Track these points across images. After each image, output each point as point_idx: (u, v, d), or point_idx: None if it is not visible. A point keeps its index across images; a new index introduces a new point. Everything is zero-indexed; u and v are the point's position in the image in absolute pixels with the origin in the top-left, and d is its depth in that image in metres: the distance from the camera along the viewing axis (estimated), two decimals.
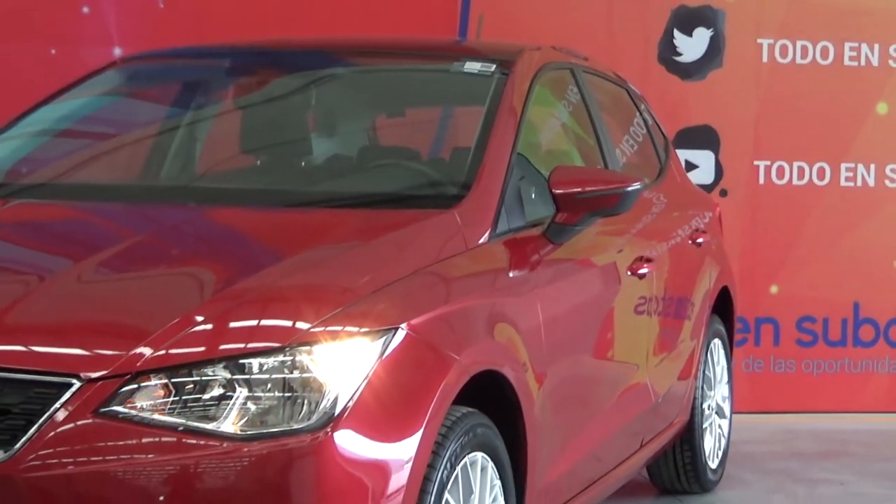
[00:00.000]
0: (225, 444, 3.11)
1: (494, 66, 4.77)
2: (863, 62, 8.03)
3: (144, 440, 3.10)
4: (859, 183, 8.06)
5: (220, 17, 7.44)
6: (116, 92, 5.27)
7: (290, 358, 3.22)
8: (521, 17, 7.59)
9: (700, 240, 6.00)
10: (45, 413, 3.11)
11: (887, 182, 8.09)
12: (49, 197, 4.54)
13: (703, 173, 7.92)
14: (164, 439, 3.11)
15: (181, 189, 4.78)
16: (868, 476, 6.59)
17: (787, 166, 8.01)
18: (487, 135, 4.37)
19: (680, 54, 7.94)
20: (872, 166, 8.05)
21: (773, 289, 8.05)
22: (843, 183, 8.06)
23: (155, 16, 7.56)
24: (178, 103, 5.32)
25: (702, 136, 7.95)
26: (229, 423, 3.14)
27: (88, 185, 4.75)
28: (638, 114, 6.07)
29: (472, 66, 4.81)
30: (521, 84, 4.68)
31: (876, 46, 8.03)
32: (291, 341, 3.24)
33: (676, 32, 7.93)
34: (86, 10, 7.52)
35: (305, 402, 3.19)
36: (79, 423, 3.10)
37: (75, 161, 4.98)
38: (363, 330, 3.33)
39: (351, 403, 3.20)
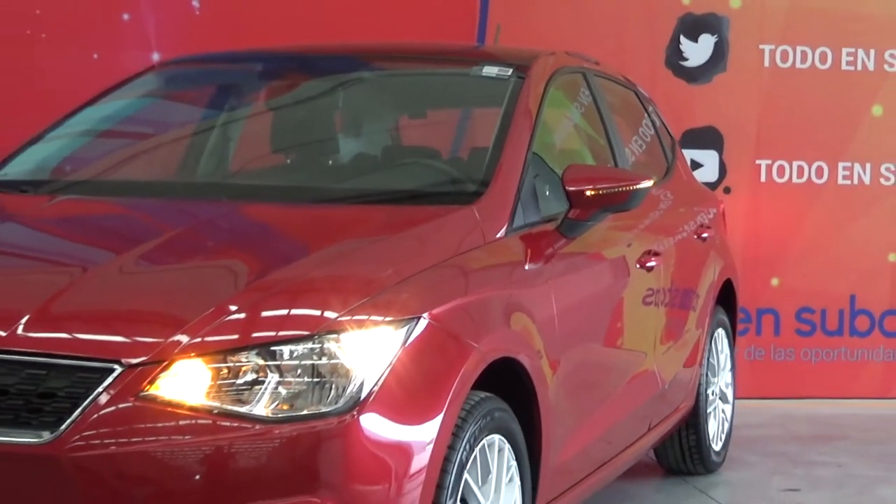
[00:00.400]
0: (257, 427, 3.12)
1: (511, 70, 4.76)
2: (859, 67, 8.01)
3: (182, 422, 3.11)
4: (856, 181, 8.05)
5: (253, 24, 7.45)
6: (155, 94, 5.28)
7: (319, 345, 3.23)
8: (536, 25, 7.60)
9: (705, 235, 6.00)
10: (88, 396, 3.12)
11: (882, 180, 8.08)
12: (92, 193, 4.55)
13: (708, 172, 7.92)
14: (200, 422, 3.12)
15: (216, 186, 4.78)
16: (864, 459, 6.58)
17: (787, 165, 8.00)
18: (504, 135, 4.38)
19: (686, 59, 7.94)
20: (868, 165, 8.04)
21: (774, 281, 8.05)
22: (840, 181, 8.05)
23: (191, 22, 7.57)
24: (213, 105, 5.34)
25: (706, 137, 7.95)
26: (261, 407, 3.15)
27: (129, 181, 4.78)
28: (646, 115, 6.06)
29: (490, 70, 4.81)
30: (536, 87, 4.68)
31: (872, 52, 8.01)
32: (320, 329, 3.25)
33: (683, 38, 7.92)
34: (126, 16, 7.54)
35: (333, 386, 3.20)
36: (120, 406, 3.11)
37: (116, 159, 5.01)
38: (387, 319, 3.33)
39: (376, 388, 3.22)
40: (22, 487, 3.12)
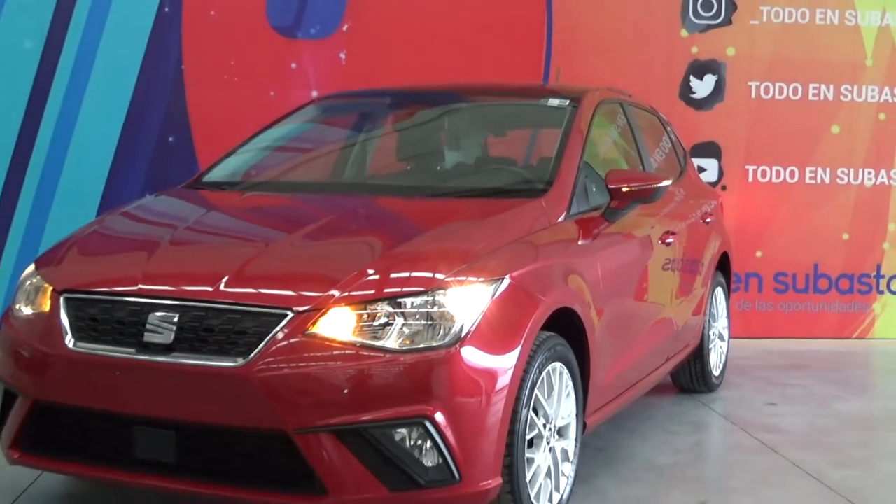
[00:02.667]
0: (387, 356, 3.14)
1: (568, 101, 4.73)
2: (822, 97, 7.91)
3: (334, 352, 3.14)
4: (818, 181, 7.96)
5: (383, 70, 7.48)
6: (314, 120, 5.30)
7: (432, 298, 3.23)
8: (586, 69, 7.55)
9: (708, 219, 5.93)
10: (269, 334, 3.17)
11: (838, 180, 7.97)
12: (270, 190, 4.58)
13: (710, 174, 7.85)
14: (347, 352, 3.15)
15: (358, 185, 4.80)
16: (823, 382, 6.49)
17: (768, 169, 7.91)
18: (563, 148, 4.35)
19: (694, 93, 7.87)
20: (828, 169, 7.95)
21: (758, 253, 7.96)
22: (807, 181, 7.96)
23: (339, 69, 7.62)
24: (355, 127, 5.35)
25: (709, 149, 7.87)
26: (391, 342, 3.17)
27: (296, 182, 4.80)
28: (665, 133, 6.00)
29: (553, 102, 4.78)
30: (586, 113, 4.64)
31: (831, 86, 7.92)
32: (433, 287, 3.25)
33: (692, 78, 7.85)
34: (294, 65, 7.60)
35: (442, 327, 3.21)
36: (291, 340, 3.15)
37: (287, 166, 5.04)
38: (481, 279, 3.33)
39: (472, 329, 3.22)
40: (223, 397, 3.18)
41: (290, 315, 3.17)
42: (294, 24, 7.62)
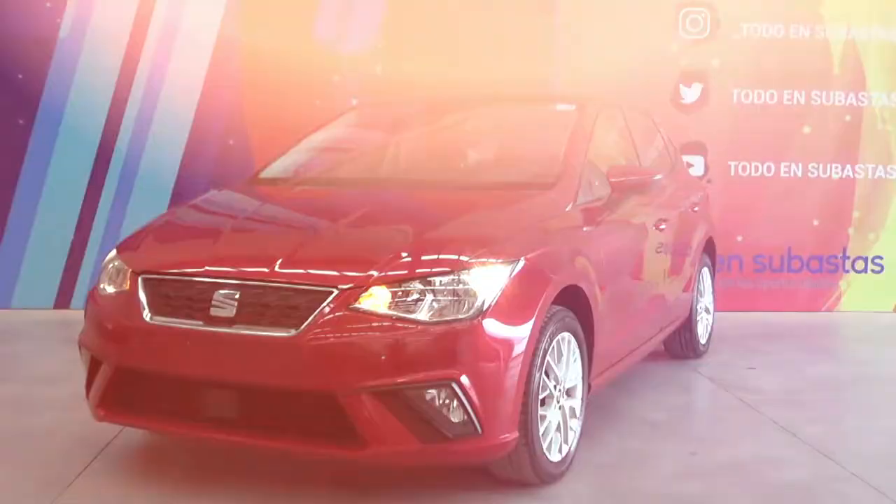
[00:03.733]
0: (419, 327, 3.15)
1: (575, 106, 4.71)
2: (795, 102, 7.85)
3: (374, 324, 3.15)
4: (792, 174, 7.90)
5: (413, 80, 7.47)
6: (354, 125, 5.29)
7: (458, 277, 3.23)
8: (589, 81, 7.52)
9: (696, 208, 5.88)
10: (317, 308, 3.18)
11: (809, 174, 7.89)
12: (317, 185, 4.58)
13: (697, 169, 7.81)
14: (384, 324, 3.15)
15: (393, 180, 4.77)
16: (794, 349, 6.44)
17: (748, 164, 7.86)
18: (570, 147, 4.33)
19: (683, 98, 7.83)
20: (800, 165, 7.88)
21: (739, 238, 7.91)
22: (782, 175, 7.89)
23: (375, 80, 7.61)
24: (390, 130, 5.33)
25: (696, 147, 7.83)
26: (423, 314, 3.17)
27: (339, 178, 4.79)
28: (658, 134, 5.95)
29: (562, 107, 4.77)
30: (589, 117, 4.61)
31: (803, 92, 7.84)
32: (458, 267, 3.25)
33: (681, 85, 7.81)
34: (336, 78, 7.60)
35: (466, 302, 3.20)
36: (337, 314, 3.16)
37: (331, 164, 5.03)
38: (500, 260, 3.33)
39: (493, 303, 3.22)
40: (278, 362, 3.19)
41: (336, 292, 3.18)
42: (336, 42, 7.62)
